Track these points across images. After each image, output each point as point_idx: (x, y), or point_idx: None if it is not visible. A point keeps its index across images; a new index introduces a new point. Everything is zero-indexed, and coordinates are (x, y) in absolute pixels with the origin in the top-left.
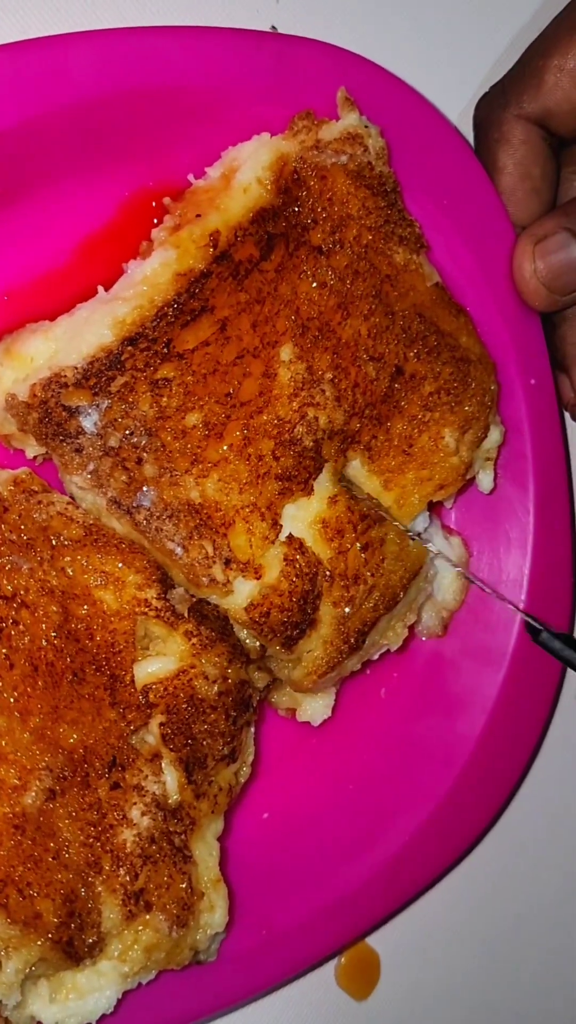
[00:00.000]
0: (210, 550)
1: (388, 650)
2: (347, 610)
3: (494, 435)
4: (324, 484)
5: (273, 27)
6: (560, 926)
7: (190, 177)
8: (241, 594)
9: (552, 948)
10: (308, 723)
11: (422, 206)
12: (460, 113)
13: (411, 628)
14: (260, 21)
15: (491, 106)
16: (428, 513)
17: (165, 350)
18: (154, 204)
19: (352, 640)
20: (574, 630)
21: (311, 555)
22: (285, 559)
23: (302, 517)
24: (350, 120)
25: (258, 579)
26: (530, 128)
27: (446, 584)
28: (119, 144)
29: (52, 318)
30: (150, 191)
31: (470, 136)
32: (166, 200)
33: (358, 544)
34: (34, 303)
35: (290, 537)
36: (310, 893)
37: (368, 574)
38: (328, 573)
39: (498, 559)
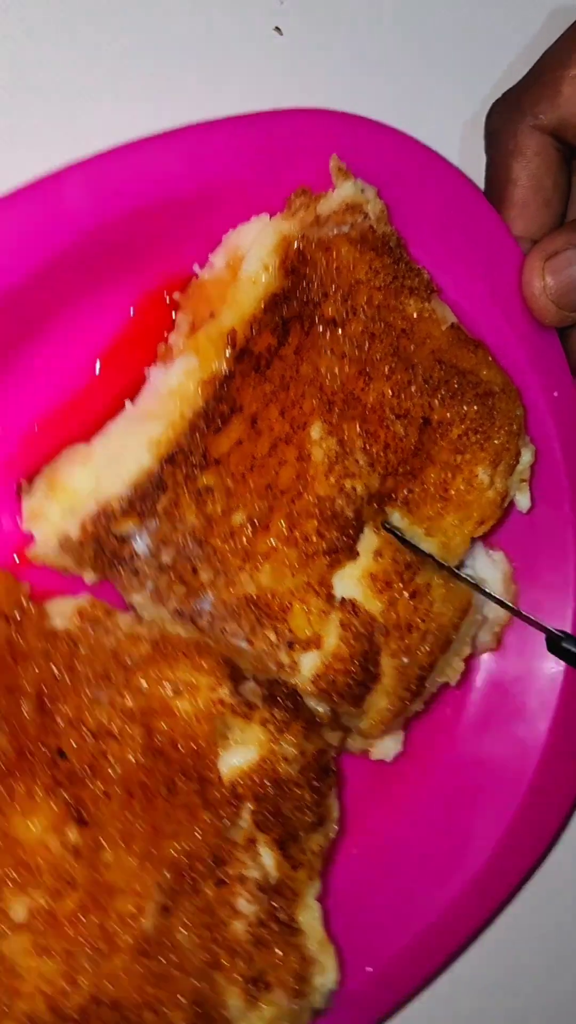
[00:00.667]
0: (273, 637)
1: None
2: (405, 660)
3: (526, 457)
4: (367, 540)
5: (277, 28)
6: None
7: (195, 267)
8: (306, 667)
9: None
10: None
11: (427, 247)
12: (468, 121)
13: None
14: (264, 23)
15: (505, 116)
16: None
17: (203, 460)
18: (167, 300)
19: (413, 687)
20: None
21: (364, 614)
22: (341, 624)
23: (352, 574)
24: (346, 189)
25: (319, 648)
26: (545, 139)
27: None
28: (122, 257)
29: (85, 438)
30: (158, 290)
31: (476, 145)
32: (176, 295)
33: (406, 593)
34: (64, 427)
35: (343, 600)
36: (408, 921)
37: (419, 620)
38: (383, 626)
39: (545, 571)
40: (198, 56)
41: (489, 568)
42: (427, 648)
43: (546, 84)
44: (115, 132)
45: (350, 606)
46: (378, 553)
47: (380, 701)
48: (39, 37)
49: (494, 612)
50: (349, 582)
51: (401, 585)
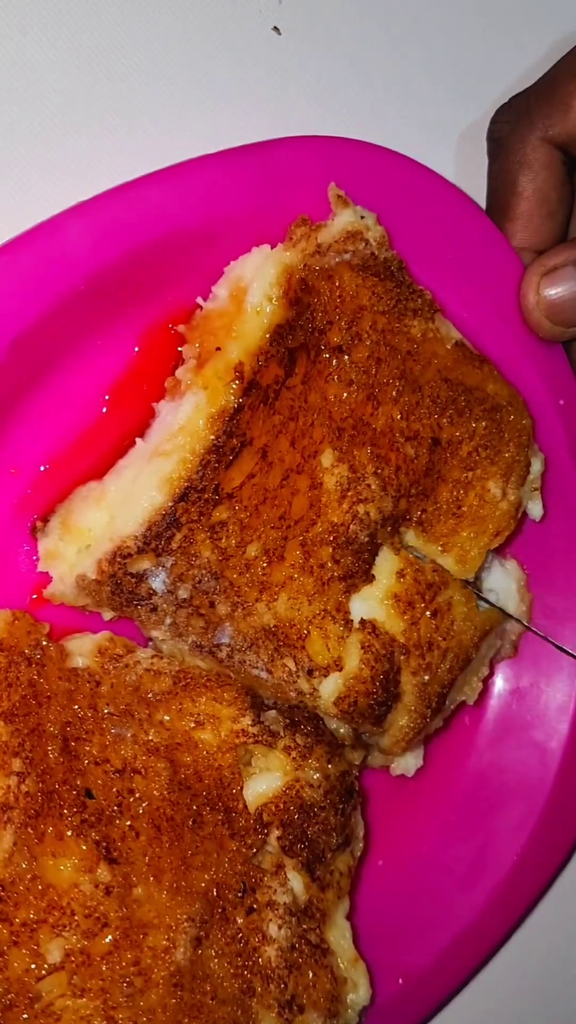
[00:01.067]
0: (292, 666)
1: (464, 703)
2: (426, 678)
3: (536, 466)
4: (387, 561)
5: (275, 28)
6: None
7: (199, 299)
8: (327, 690)
9: None
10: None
11: (428, 266)
12: (470, 126)
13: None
14: (263, 22)
15: (514, 125)
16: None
17: (215, 496)
18: (172, 332)
19: (434, 704)
20: None
21: (384, 635)
22: (362, 646)
23: (373, 595)
24: (346, 217)
25: (340, 670)
26: (552, 152)
27: (510, 608)
28: (125, 294)
29: (97, 475)
30: (163, 324)
31: (476, 151)
32: (180, 327)
33: (428, 612)
34: (77, 464)
35: (362, 622)
36: (436, 931)
37: (440, 639)
38: (403, 645)
39: (560, 578)
40: (188, 84)
41: (503, 577)
42: (447, 666)
43: (558, 96)
44: (110, 171)
45: (370, 627)
46: (400, 574)
47: (400, 719)
48: (34, 64)
49: (511, 622)
50: (371, 603)
51: (423, 604)
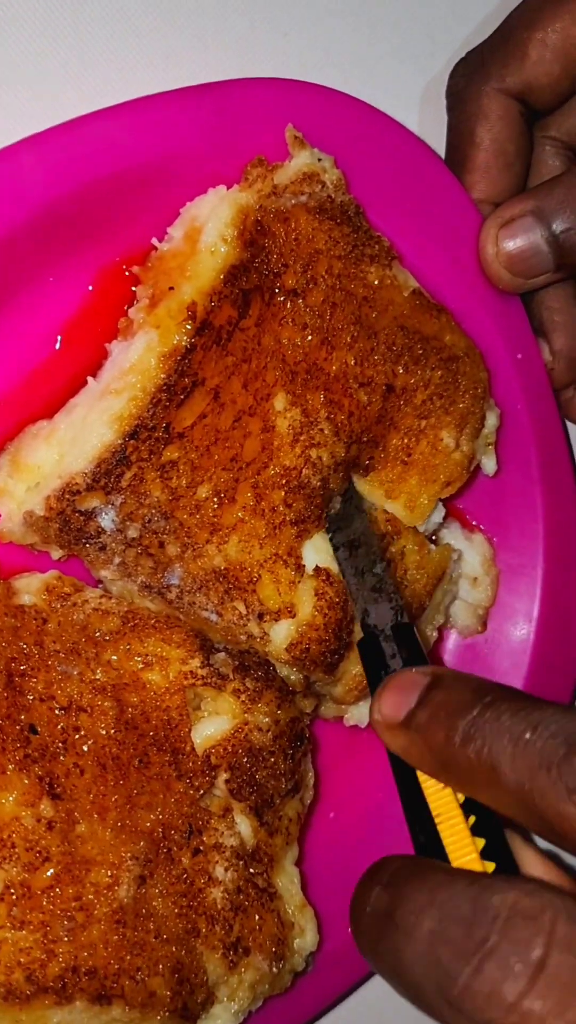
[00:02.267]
0: (243, 609)
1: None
2: None
3: (491, 420)
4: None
5: None
6: None
7: (154, 240)
8: (279, 636)
9: None
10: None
11: (386, 214)
12: (430, 81)
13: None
14: None
15: (470, 77)
16: (442, 506)
17: (166, 434)
18: (126, 273)
19: None
20: None
21: (339, 583)
22: (315, 593)
23: (324, 548)
24: (303, 159)
25: (292, 616)
26: (509, 103)
27: (478, 582)
28: (80, 231)
29: (48, 414)
30: (117, 264)
31: (437, 106)
32: (135, 268)
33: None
34: (27, 402)
35: (316, 569)
36: None
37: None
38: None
39: (515, 535)
40: (152, 23)
41: (469, 551)
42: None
43: (512, 46)
44: (67, 105)
45: (324, 575)
46: None
47: (353, 667)
48: None
49: (476, 596)
50: (324, 556)
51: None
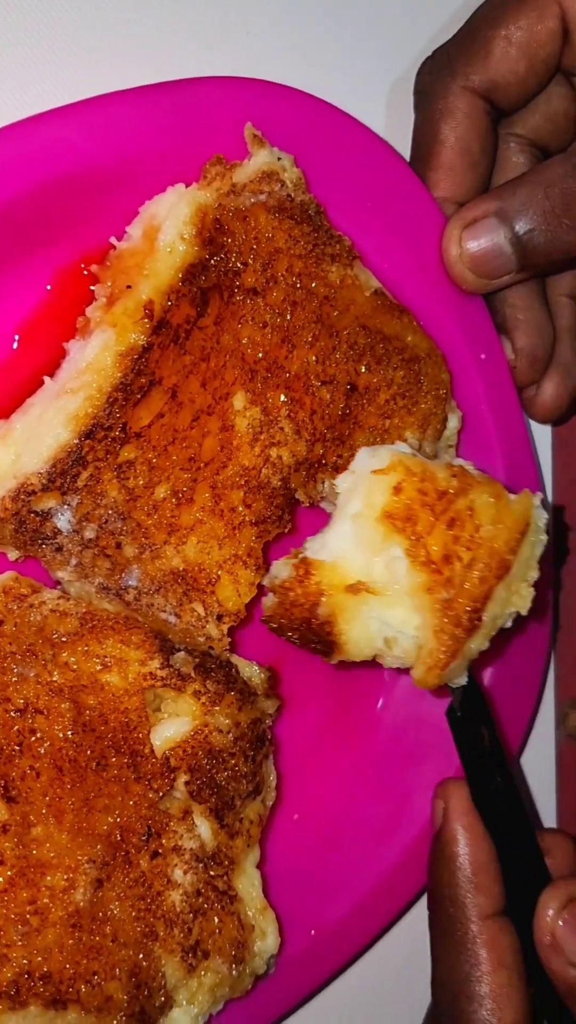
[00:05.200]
0: (201, 611)
1: (519, 615)
2: (446, 595)
3: (452, 422)
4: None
5: None
6: None
7: (112, 239)
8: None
9: None
10: (323, 717)
11: (349, 215)
12: (397, 80)
13: None
14: None
15: (436, 75)
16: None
17: (122, 434)
18: (84, 273)
19: (465, 621)
20: (559, 586)
21: (310, 586)
22: (283, 586)
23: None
24: (261, 158)
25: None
26: (475, 101)
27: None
28: (37, 230)
29: (5, 414)
30: (76, 263)
31: (405, 104)
32: (93, 267)
33: (441, 523)
34: None
35: (299, 562)
36: (350, 884)
37: (462, 549)
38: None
39: None
40: (113, 22)
41: None
42: (477, 577)
43: (477, 44)
44: (23, 104)
45: (303, 569)
46: (397, 489)
47: (427, 642)
48: None
49: None
50: (341, 531)
51: (432, 518)
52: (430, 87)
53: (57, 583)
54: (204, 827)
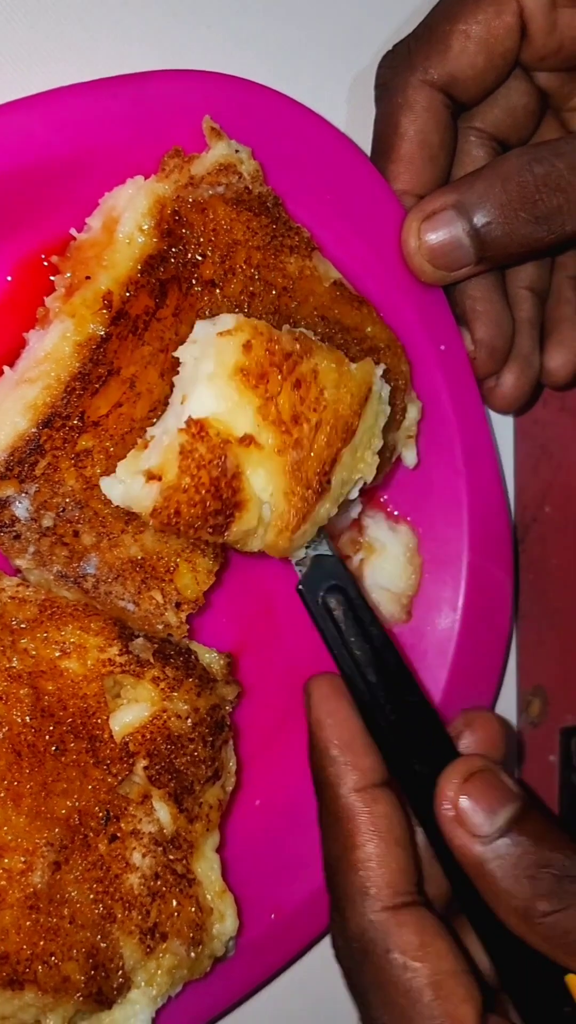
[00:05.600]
0: (160, 599)
1: (364, 483)
2: (296, 455)
3: (412, 413)
4: (236, 336)
5: None
6: None
7: (72, 231)
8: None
9: None
10: (283, 703)
11: (307, 207)
12: (359, 73)
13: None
14: None
15: (395, 69)
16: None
17: (80, 423)
18: (45, 263)
19: (315, 483)
20: (515, 572)
21: (213, 439)
22: (183, 451)
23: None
24: (219, 150)
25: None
26: (434, 95)
27: (399, 572)
28: None
29: None
30: (36, 254)
31: (367, 98)
32: (54, 258)
33: (288, 384)
34: None
35: (189, 422)
36: (311, 868)
37: (308, 411)
38: (248, 437)
39: (442, 526)
40: (71, 14)
41: (393, 541)
42: (324, 439)
43: (436, 38)
44: None
45: (196, 427)
46: (247, 346)
47: (278, 504)
48: None
49: (401, 584)
50: (203, 393)
51: (280, 377)
52: (390, 81)
53: (17, 571)
54: (163, 811)
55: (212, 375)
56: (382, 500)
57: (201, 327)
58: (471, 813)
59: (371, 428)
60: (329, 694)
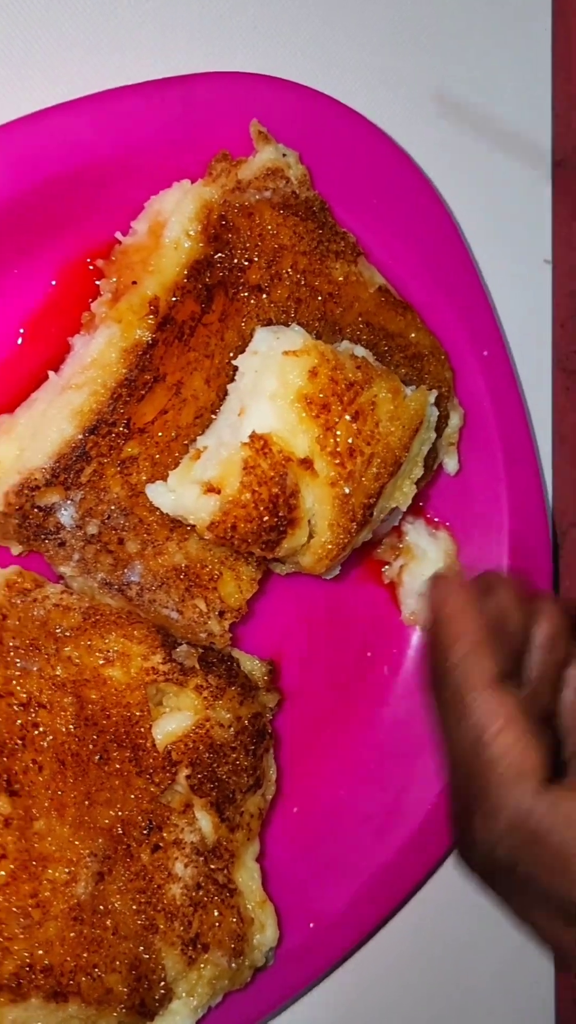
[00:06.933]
0: (203, 607)
1: (398, 511)
2: (347, 489)
3: (454, 420)
4: (302, 360)
5: None
6: None
7: (117, 234)
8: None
9: None
10: (321, 709)
11: (352, 211)
12: (404, 74)
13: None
14: None
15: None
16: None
17: (126, 429)
18: (90, 267)
19: (359, 516)
20: (557, 581)
21: (275, 456)
22: (245, 466)
23: (270, 401)
24: (267, 154)
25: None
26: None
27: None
28: (43, 225)
29: (9, 409)
30: (81, 258)
31: (414, 99)
32: (99, 262)
33: (347, 415)
34: None
35: (253, 437)
36: (349, 876)
37: (363, 444)
38: (306, 461)
39: (481, 533)
40: (120, 16)
41: (432, 548)
42: (373, 472)
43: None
44: (30, 100)
45: (260, 443)
46: (313, 373)
47: (321, 533)
48: None
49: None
50: (265, 411)
51: (341, 407)
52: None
53: (60, 578)
54: (205, 821)
55: (274, 395)
56: (422, 506)
57: (264, 338)
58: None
59: (415, 458)
60: (456, 591)
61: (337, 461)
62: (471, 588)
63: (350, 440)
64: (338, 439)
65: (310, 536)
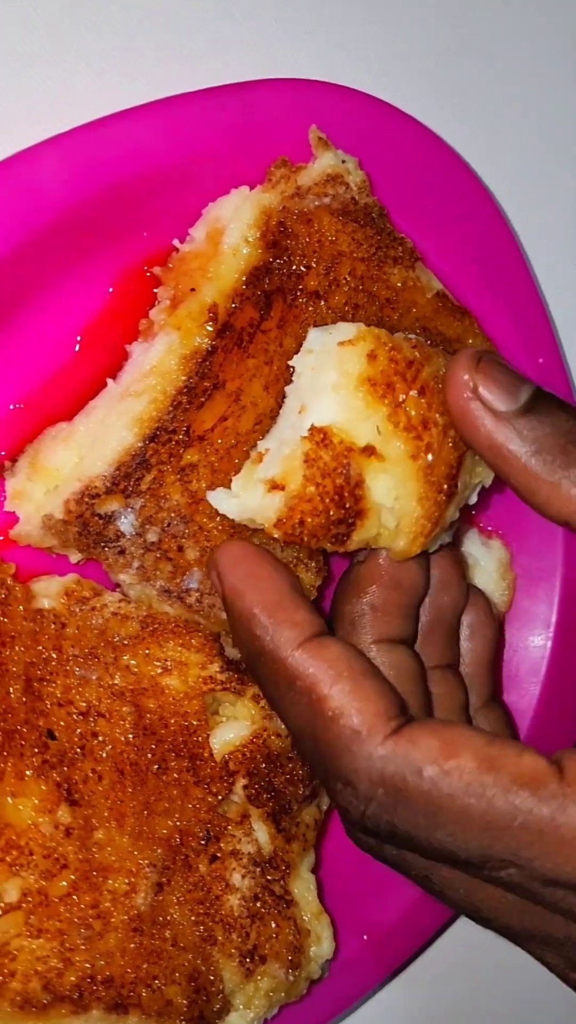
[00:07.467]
0: None
1: (483, 487)
2: (429, 457)
3: None
4: (359, 346)
5: None
6: None
7: (175, 241)
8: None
9: None
10: None
11: (410, 215)
12: (463, 80)
13: None
14: None
15: None
16: None
17: (186, 437)
18: (147, 275)
19: (445, 486)
20: None
21: (337, 447)
22: (306, 459)
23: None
24: (327, 160)
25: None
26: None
27: (492, 588)
28: (101, 233)
29: (68, 417)
30: (138, 265)
31: (468, 102)
32: (156, 269)
33: (413, 392)
34: (48, 405)
35: (312, 430)
36: (402, 888)
37: (436, 415)
38: (369, 449)
39: (534, 540)
40: (176, 24)
41: (486, 556)
42: (450, 441)
43: None
44: (91, 106)
45: (320, 435)
46: (372, 356)
47: (413, 510)
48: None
49: (493, 600)
50: (327, 402)
51: (406, 385)
52: None
53: (117, 586)
54: (261, 831)
55: (336, 385)
56: (475, 514)
57: (316, 336)
58: (489, 394)
59: (470, 468)
60: (240, 557)
61: (413, 435)
62: (256, 549)
63: (421, 413)
64: (410, 414)
65: (388, 523)
